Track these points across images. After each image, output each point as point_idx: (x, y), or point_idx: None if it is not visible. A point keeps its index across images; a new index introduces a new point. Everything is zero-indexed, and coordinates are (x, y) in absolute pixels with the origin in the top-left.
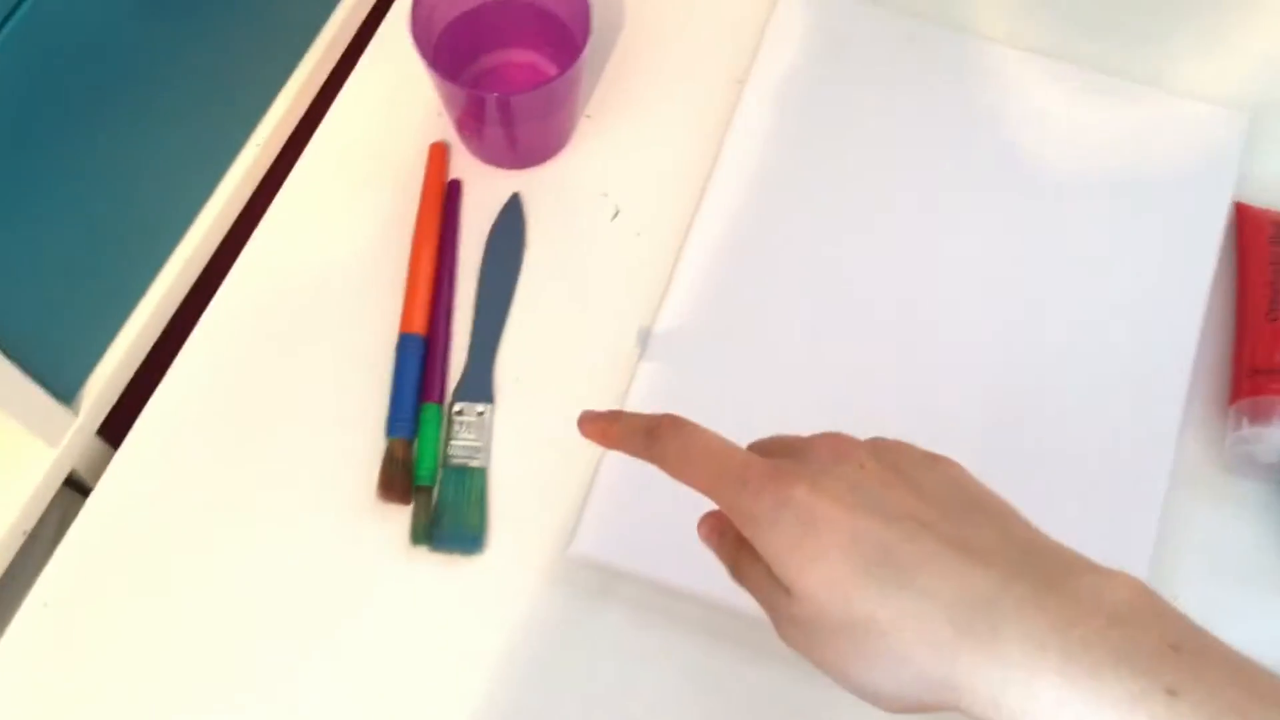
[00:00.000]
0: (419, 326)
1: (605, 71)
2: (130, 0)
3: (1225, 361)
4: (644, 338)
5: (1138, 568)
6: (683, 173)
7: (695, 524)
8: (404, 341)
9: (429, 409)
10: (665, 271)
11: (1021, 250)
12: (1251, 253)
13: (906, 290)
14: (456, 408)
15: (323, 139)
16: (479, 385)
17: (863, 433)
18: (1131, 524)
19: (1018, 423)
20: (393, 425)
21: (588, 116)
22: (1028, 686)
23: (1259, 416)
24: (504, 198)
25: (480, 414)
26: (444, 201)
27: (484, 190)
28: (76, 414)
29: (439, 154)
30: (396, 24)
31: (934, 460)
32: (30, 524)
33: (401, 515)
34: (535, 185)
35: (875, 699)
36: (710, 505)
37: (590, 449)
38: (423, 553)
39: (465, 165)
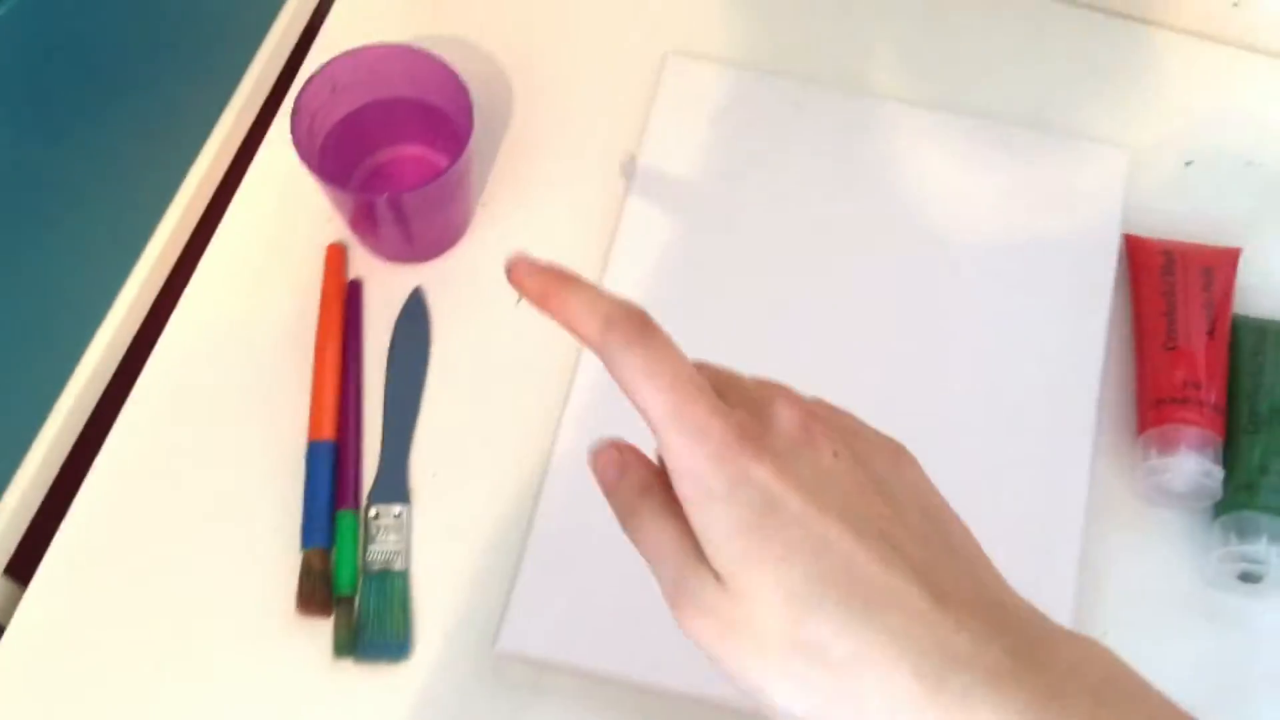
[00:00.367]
0: (328, 432)
1: (497, 159)
2: (12, 118)
3: (1131, 392)
4: (557, 421)
5: (1063, 600)
6: (581, 252)
7: (622, 608)
8: (313, 449)
9: (344, 516)
10: (574, 350)
11: (922, 300)
12: (1144, 283)
13: (809, 353)
14: (373, 511)
15: (217, 249)
16: (394, 486)
17: None
18: (1055, 557)
19: (932, 467)
20: (308, 536)
21: (483, 205)
22: None
23: (1166, 447)
24: (406, 292)
25: (397, 515)
26: (345, 302)
27: (385, 286)
28: None
29: (336, 256)
30: (284, 127)
31: (896, 455)
32: None
33: (323, 628)
34: (437, 277)
35: None
36: (635, 560)
37: (514, 537)
38: (348, 665)
39: (364, 263)
